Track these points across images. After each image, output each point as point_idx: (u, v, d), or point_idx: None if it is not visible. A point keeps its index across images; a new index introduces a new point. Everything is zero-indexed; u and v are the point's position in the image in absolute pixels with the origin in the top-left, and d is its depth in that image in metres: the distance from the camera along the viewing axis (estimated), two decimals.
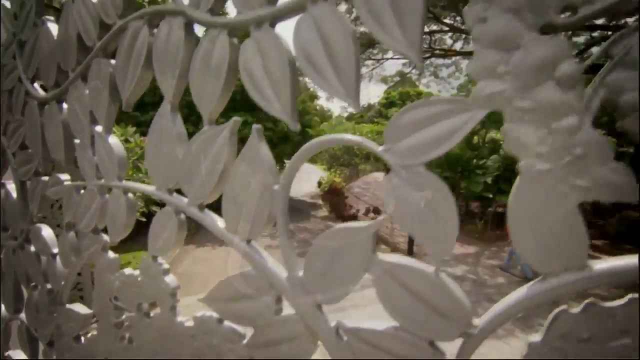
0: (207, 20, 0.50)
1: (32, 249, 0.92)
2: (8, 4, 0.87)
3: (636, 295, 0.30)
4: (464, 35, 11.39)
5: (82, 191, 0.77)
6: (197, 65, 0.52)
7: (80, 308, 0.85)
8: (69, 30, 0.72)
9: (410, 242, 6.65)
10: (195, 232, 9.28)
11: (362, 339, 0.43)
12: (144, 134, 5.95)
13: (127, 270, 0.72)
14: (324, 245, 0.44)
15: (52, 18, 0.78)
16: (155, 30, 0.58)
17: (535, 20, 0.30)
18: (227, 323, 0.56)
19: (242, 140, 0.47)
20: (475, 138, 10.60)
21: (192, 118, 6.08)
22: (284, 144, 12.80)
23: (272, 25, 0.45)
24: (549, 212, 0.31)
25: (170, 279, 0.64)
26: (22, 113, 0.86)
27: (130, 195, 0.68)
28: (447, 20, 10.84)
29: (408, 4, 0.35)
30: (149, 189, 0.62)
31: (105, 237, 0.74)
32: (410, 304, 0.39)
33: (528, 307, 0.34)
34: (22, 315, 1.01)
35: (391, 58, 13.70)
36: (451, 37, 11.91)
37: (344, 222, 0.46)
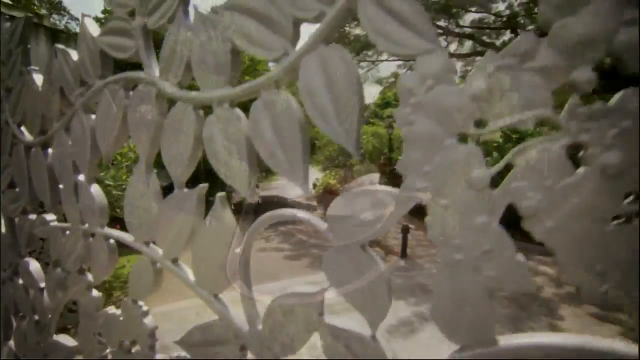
0: (174, 94, 0.55)
1: (21, 281, 0.97)
2: None
3: None
4: (457, 38, 11.50)
5: (68, 232, 0.81)
6: (167, 133, 0.57)
7: (66, 340, 0.90)
8: (52, 82, 0.76)
9: (404, 245, 6.72)
10: None
11: None
12: None
13: (110, 309, 0.76)
14: (279, 305, 0.49)
15: (37, 68, 0.82)
16: (131, 93, 0.63)
17: (451, 130, 0.35)
18: None
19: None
20: None
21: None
22: None
23: (232, 105, 0.50)
24: (463, 294, 0.36)
25: (148, 320, 0.69)
26: (10, 154, 0.91)
27: (111, 240, 0.72)
28: (440, 23, 10.94)
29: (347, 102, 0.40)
30: (129, 238, 0.67)
31: (90, 276, 0.79)
32: None
33: None
34: (11, 342, 1.06)
35: (386, 60, 13.78)
36: (445, 39, 11.99)
37: None
